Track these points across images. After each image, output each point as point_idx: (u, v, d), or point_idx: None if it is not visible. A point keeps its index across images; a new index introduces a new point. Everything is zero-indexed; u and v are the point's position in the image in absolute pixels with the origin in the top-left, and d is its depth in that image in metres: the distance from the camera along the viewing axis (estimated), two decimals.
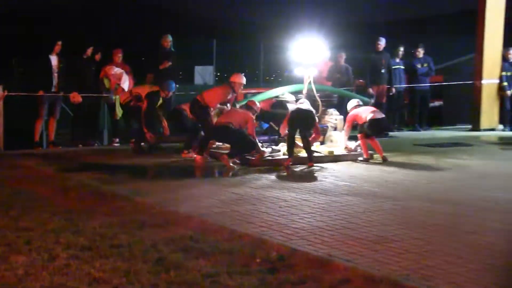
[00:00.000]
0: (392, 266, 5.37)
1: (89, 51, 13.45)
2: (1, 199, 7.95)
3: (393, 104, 16.27)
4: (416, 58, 16.67)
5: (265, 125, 12.99)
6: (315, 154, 10.95)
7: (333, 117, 12.32)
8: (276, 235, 6.33)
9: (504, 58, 16.56)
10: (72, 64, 13.15)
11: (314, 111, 11.04)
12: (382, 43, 15.89)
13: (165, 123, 12.14)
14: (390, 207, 7.66)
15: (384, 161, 11.01)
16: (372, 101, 14.19)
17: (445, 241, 6.18)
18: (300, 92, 12.11)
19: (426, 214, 7.30)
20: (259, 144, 10.80)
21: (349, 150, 11.49)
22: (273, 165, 10.48)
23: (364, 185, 9.11)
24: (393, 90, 15.93)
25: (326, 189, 8.77)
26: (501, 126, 16.62)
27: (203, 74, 28.40)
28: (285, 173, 10.04)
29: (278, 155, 10.96)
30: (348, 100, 12.17)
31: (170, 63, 13.90)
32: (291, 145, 10.59)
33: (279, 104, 12.17)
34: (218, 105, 11.65)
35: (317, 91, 12.04)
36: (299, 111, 10.91)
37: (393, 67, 15.96)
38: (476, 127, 16.51)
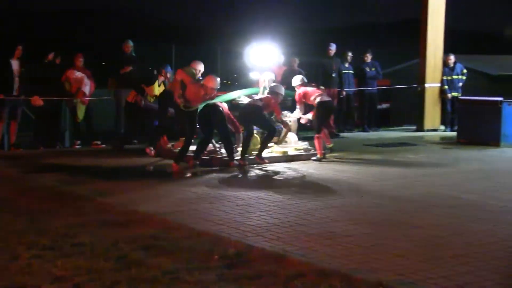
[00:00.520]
0: (343, 260, 5.40)
1: (51, 56, 13.24)
2: None
3: (344, 106, 16.40)
4: (364, 63, 16.83)
5: None
6: (269, 155, 10.96)
7: (287, 119, 12.34)
8: (233, 232, 6.32)
9: (445, 63, 16.84)
10: (33, 69, 12.93)
11: (259, 105, 10.98)
12: (333, 48, 15.98)
13: None
14: (341, 204, 7.70)
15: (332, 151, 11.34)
16: None
17: (392, 236, 6.24)
18: (256, 95, 12.09)
19: (376, 210, 7.36)
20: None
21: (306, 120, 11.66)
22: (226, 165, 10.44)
23: (317, 183, 9.15)
24: (343, 93, 16.06)
25: (281, 187, 8.78)
26: (442, 127, 16.92)
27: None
28: (242, 173, 10.02)
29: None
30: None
31: (131, 68, 13.77)
32: (245, 146, 10.56)
33: (236, 107, 12.13)
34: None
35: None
36: (244, 106, 10.98)
37: (343, 71, 16.08)
38: (420, 128, 16.77)
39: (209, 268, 5.11)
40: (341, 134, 15.42)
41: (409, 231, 6.43)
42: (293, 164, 10.76)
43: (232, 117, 10.91)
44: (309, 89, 11.59)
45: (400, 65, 26.05)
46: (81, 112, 13.32)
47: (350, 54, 16.52)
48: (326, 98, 11.50)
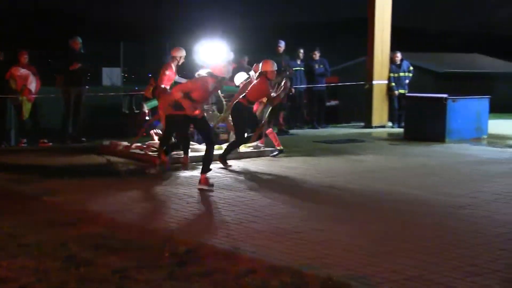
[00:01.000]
0: (294, 256, 5.43)
1: None
2: None
3: (294, 103, 16.47)
4: (313, 60, 16.92)
5: None
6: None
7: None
8: (184, 230, 6.30)
9: (392, 61, 17.08)
10: None
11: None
12: (282, 45, 16.03)
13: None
14: (292, 201, 7.74)
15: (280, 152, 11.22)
16: None
17: (343, 231, 6.31)
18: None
19: (325, 207, 7.42)
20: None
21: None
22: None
23: (267, 180, 9.18)
24: (293, 90, 16.10)
25: (231, 185, 8.77)
26: (390, 124, 17.15)
27: (111, 75, 27.92)
28: (191, 170, 9.97)
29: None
30: None
31: (80, 65, 13.55)
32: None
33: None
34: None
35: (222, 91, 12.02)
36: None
37: (294, 68, 16.11)
38: (368, 125, 16.98)
39: (160, 266, 5.08)
40: (291, 131, 15.49)
41: (359, 226, 6.51)
42: (243, 162, 10.77)
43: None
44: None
45: (349, 63, 26.33)
46: (26, 110, 13.08)
47: (301, 51, 16.59)
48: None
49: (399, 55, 17.08)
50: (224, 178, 9.29)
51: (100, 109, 15.93)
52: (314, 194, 8.19)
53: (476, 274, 4.98)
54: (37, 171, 9.90)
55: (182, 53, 11.44)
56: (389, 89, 17.04)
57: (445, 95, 13.99)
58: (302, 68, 16.49)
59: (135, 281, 4.75)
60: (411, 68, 17.16)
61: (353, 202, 7.68)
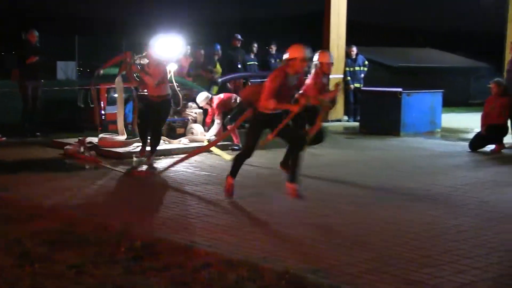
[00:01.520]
0: (251, 249, 5.45)
1: None
2: None
3: None
4: (269, 54, 16.96)
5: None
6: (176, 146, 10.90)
7: (193, 110, 12.33)
8: (141, 225, 6.26)
9: (347, 55, 17.22)
10: None
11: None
12: (239, 39, 16.03)
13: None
14: (249, 195, 7.75)
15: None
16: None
17: (298, 225, 6.35)
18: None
19: (281, 201, 7.45)
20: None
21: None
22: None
23: (223, 174, 9.15)
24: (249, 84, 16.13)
25: (188, 179, 8.75)
26: (346, 117, 17.29)
27: (66, 69, 27.54)
28: (150, 166, 9.91)
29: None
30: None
31: (37, 58, 13.28)
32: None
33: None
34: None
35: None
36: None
37: (248, 63, 16.14)
38: (325, 119, 17.07)
39: (116, 261, 5.04)
40: (247, 125, 15.51)
41: (315, 220, 6.56)
42: (201, 156, 10.74)
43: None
44: (222, 95, 11.78)
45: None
46: None
47: (255, 45, 16.61)
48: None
49: (354, 49, 17.22)
50: (182, 172, 9.25)
51: (55, 103, 15.68)
52: (270, 188, 8.21)
53: (431, 266, 5.06)
54: None
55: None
56: (345, 83, 17.18)
57: (399, 89, 14.18)
58: (256, 63, 16.51)
59: (91, 276, 4.70)
60: (366, 62, 17.33)
61: (309, 196, 7.71)
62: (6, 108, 14.16)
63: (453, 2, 69.12)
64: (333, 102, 9.05)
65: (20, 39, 13.63)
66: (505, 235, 6.03)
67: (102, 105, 12.57)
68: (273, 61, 16.79)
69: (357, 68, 17.14)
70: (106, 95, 14.30)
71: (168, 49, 11.76)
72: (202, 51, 15.71)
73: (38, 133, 13.14)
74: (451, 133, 14.40)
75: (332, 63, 9.34)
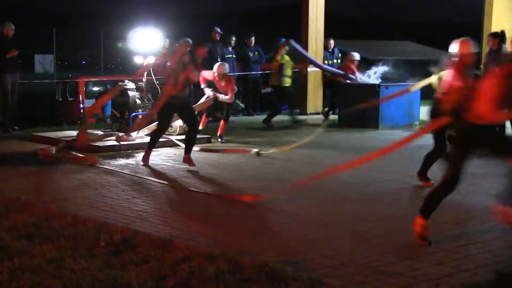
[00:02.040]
0: (230, 242, 5.45)
1: None
2: None
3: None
4: (247, 47, 16.93)
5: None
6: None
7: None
8: (119, 218, 6.23)
9: (326, 48, 17.25)
10: None
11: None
12: (218, 32, 15.98)
13: None
14: (227, 188, 7.75)
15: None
16: None
17: (276, 218, 6.36)
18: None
19: (261, 192, 7.45)
20: None
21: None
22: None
23: (203, 167, 9.15)
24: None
25: (166, 172, 8.72)
26: (326, 109, 17.31)
27: (44, 62, 27.35)
28: (128, 159, 9.86)
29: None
30: None
31: (18, 51, 13.08)
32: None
33: (121, 91, 11.93)
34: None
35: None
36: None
37: (226, 56, 16.08)
38: (303, 111, 17.12)
39: (95, 255, 5.01)
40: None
41: (293, 213, 6.57)
42: (180, 149, 10.71)
43: None
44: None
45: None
46: None
47: (233, 38, 16.56)
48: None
49: (332, 42, 17.27)
50: (161, 165, 9.22)
51: (33, 96, 15.55)
52: (249, 180, 8.21)
53: (410, 258, 5.09)
54: None
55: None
56: (324, 76, 17.21)
57: (378, 82, 14.23)
58: (234, 56, 16.47)
59: (70, 271, 4.67)
60: (340, 55, 17.44)
61: (288, 189, 7.73)
62: None
63: None
64: None
65: None
66: (482, 227, 6.08)
67: (80, 98, 12.47)
68: (251, 54, 16.75)
69: (334, 61, 17.19)
70: (85, 88, 14.22)
71: (147, 42, 11.73)
72: (206, 48, 15.57)
73: (16, 127, 13.01)
74: None
75: (476, 52, 7.20)
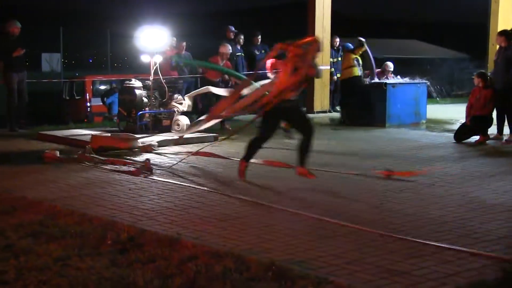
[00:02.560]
0: (236, 241, 5.43)
1: None
2: None
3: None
4: (254, 45, 16.87)
5: None
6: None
7: (185, 102, 12.32)
8: (126, 216, 6.23)
9: (331, 45, 17.22)
10: None
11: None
12: (232, 31, 15.93)
13: None
14: (233, 186, 7.73)
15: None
16: None
17: (283, 217, 6.33)
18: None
19: (266, 192, 7.44)
20: None
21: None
22: None
23: (210, 166, 9.14)
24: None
25: (174, 171, 8.71)
26: (337, 108, 17.31)
27: (51, 61, 27.39)
28: (135, 157, 9.86)
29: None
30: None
31: (24, 50, 13.10)
32: None
33: (127, 89, 11.95)
34: None
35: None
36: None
37: (236, 54, 16.03)
38: (310, 110, 17.10)
39: (101, 254, 5.00)
40: (234, 117, 15.47)
41: (299, 211, 6.54)
42: (186, 148, 10.72)
43: None
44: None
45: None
46: None
47: (242, 37, 16.53)
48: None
49: (338, 40, 17.25)
50: (167, 164, 9.22)
51: (40, 95, 15.59)
52: (255, 179, 8.19)
53: (415, 256, 5.07)
54: None
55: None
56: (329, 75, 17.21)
57: (385, 81, 14.20)
58: (242, 54, 16.43)
59: (77, 269, 4.67)
60: (342, 53, 17.42)
61: (292, 187, 7.71)
62: None
63: None
64: None
65: (2, 31, 13.42)
66: (489, 225, 6.05)
67: (87, 97, 12.50)
68: (257, 52, 16.68)
69: (339, 59, 17.17)
70: (91, 87, 14.24)
71: (154, 40, 11.74)
72: (184, 43, 15.55)
73: (25, 125, 13.03)
74: (436, 124, 14.45)
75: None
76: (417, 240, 5.48)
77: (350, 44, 15.59)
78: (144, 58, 12.07)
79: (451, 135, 12.01)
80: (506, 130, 12.06)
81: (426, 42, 29.58)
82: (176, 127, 11.89)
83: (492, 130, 11.94)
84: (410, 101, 14.40)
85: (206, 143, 10.85)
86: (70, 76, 23.22)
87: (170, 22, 13.99)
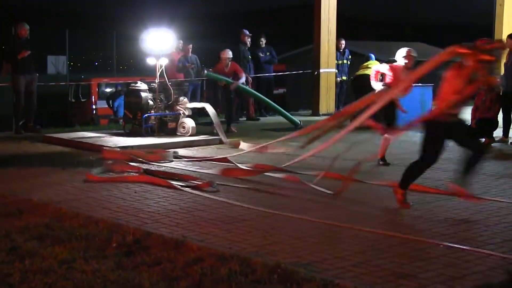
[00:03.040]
0: (242, 244, 5.42)
1: None
2: None
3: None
4: (259, 48, 16.82)
5: None
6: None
7: (190, 105, 12.34)
8: (131, 219, 6.22)
9: (337, 48, 17.20)
10: None
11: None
12: (247, 35, 15.90)
13: None
14: (239, 189, 7.72)
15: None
16: None
17: (290, 219, 6.32)
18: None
19: (271, 195, 7.43)
20: None
21: None
22: None
23: (214, 168, 9.13)
24: (250, 79, 15.79)
25: (179, 174, 8.69)
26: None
27: (56, 64, 27.46)
28: (139, 159, 9.85)
29: None
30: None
31: (29, 52, 13.09)
32: None
33: (133, 92, 11.96)
34: None
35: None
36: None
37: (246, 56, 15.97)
38: (316, 112, 17.07)
39: (107, 256, 5.00)
40: (240, 119, 15.49)
41: (304, 214, 6.52)
42: (192, 150, 10.71)
43: None
44: None
45: (297, 50, 26.41)
46: None
47: (249, 39, 16.49)
48: None
49: (343, 42, 17.24)
50: (171, 166, 9.21)
51: (46, 97, 15.61)
52: (261, 181, 8.18)
53: (421, 259, 5.05)
54: None
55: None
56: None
57: None
58: (250, 56, 16.41)
59: (82, 272, 4.66)
60: (350, 56, 17.38)
61: (299, 189, 7.70)
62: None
63: None
64: None
65: (9, 33, 13.43)
66: (495, 228, 6.02)
67: (93, 99, 12.51)
68: (261, 54, 16.63)
69: (344, 61, 17.15)
70: (97, 89, 14.25)
71: (159, 42, 11.75)
72: (190, 45, 15.53)
73: (39, 126, 13.02)
74: None
75: None
76: (423, 240, 5.47)
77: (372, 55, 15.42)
78: (150, 61, 12.07)
79: None
80: (511, 133, 12.01)
81: (431, 45, 29.52)
82: (181, 129, 11.88)
83: (497, 133, 11.89)
84: (416, 103, 14.34)
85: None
86: (76, 79, 23.31)
87: (176, 24, 13.98)
